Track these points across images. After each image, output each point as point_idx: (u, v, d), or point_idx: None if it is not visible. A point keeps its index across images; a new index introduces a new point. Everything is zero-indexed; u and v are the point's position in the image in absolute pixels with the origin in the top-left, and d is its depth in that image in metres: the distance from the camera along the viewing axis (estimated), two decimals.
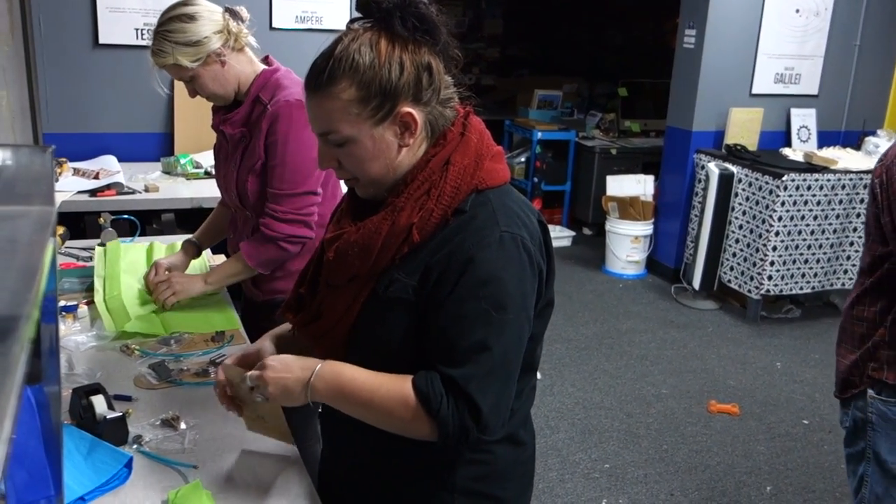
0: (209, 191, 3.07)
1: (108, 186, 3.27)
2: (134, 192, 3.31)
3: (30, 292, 0.63)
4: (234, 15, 2.04)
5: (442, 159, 1.23)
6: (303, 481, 1.42)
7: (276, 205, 2.05)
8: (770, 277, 4.75)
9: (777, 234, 4.68)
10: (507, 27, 9.38)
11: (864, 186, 4.78)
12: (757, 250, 4.78)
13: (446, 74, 1.26)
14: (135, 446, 1.48)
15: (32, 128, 3.57)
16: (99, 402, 1.49)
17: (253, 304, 2.23)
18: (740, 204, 4.91)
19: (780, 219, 4.66)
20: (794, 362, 4.38)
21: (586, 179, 6.45)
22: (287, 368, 1.27)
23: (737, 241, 4.96)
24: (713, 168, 4.94)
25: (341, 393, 1.25)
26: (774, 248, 4.70)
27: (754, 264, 4.80)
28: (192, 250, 2.30)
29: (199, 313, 2.10)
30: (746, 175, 4.85)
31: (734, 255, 4.97)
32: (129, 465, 1.40)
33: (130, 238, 2.60)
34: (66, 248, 2.55)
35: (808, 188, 4.67)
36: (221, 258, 2.51)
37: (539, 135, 6.37)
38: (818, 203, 4.73)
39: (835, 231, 4.84)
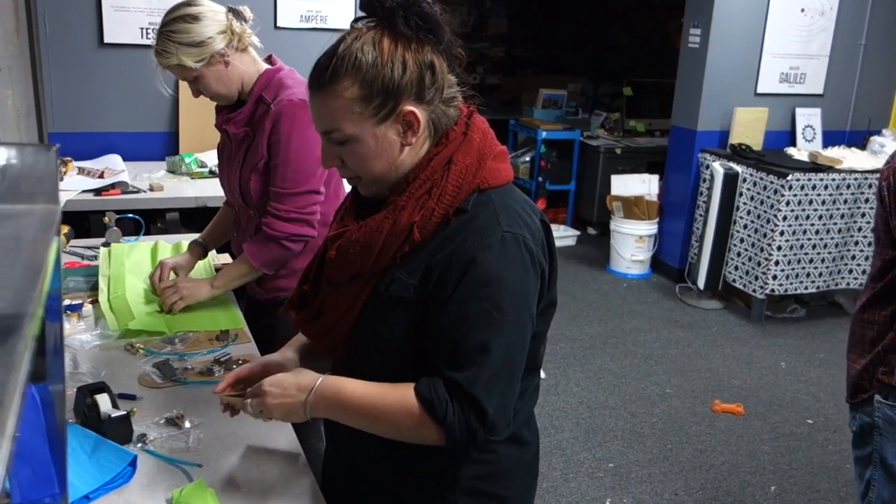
0: (214, 190, 3.08)
1: (113, 185, 3.27)
2: (139, 191, 3.32)
3: (34, 290, 0.63)
4: (238, 15, 2.04)
5: (444, 158, 1.23)
6: (307, 480, 1.43)
7: (278, 203, 2.05)
8: (775, 277, 4.74)
9: (782, 233, 4.67)
10: (511, 27, 9.37)
11: (870, 186, 4.77)
12: (762, 250, 4.77)
13: (450, 73, 1.26)
14: (139, 445, 1.49)
15: (38, 127, 3.58)
16: (103, 401, 1.49)
17: (256, 303, 2.24)
18: (745, 203, 4.90)
19: (784, 218, 4.65)
20: (798, 362, 4.37)
21: (591, 179, 6.44)
22: (285, 392, 1.29)
23: (741, 240, 4.95)
24: (718, 168, 4.93)
25: (343, 409, 1.26)
26: (779, 248, 4.69)
27: (759, 264, 4.79)
28: (199, 251, 2.31)
29: (204, 312, 2.10)
30: (751, 175, 4.84)
31: (739, 254, 4.97)
32: (133, 463, 1.40)
33: (135, 237, 2.61)
34: (71, 246, 2.56)
35: (813, 188, 4.66)
36: (226, 257, 2.52)
37: (544, 134, 6.36)
38: (823, 203, 4.71)
39: (840, 231, 4.82)
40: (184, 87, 2.26)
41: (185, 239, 2.46)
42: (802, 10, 5.17)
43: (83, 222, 3.05)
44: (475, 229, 1.20)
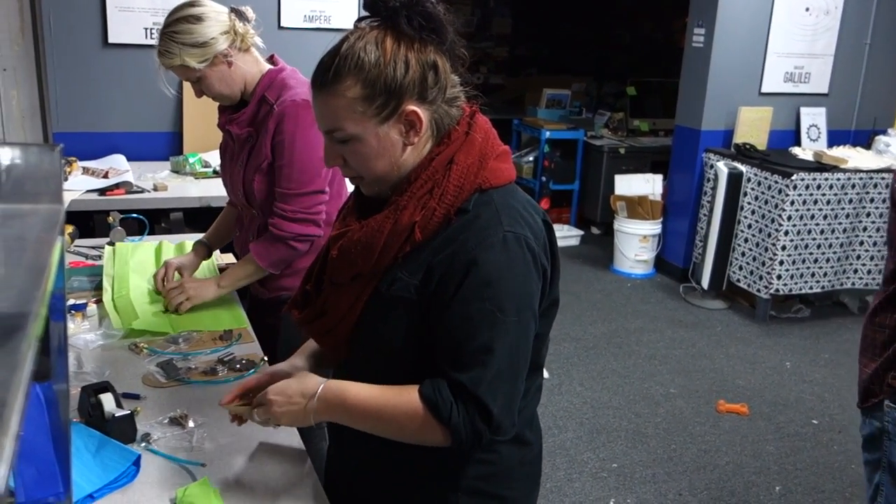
0: (217, 190, 3.08)
1: (117, 185, 3.28)
2: (143, 190, 3.32)
3: (38, 290, 0.63)
4: (240, 15, 2.05)
5: (446, 158, 1.23)
6: (310, 479, 1.43)
7: (284, 204, 2.05)
8: (779, 277, 4.73)
9: (786, 233, 4.66)
10: (515, 26, 9.37)
11: (875, 186, 4.75)
12: (766, 249, 4.76)
13: (453, 73, 1.26)
14: (143, 444, 1.49)
15: (42, 127, 3.59)
16: (107, 401, 1.50)
17: (259, 302, 2.24)
18: (749, 203, 4.89)
19: (789, 218, 4.64)
20: (803, 362, 4.36)
21: (595, 178, 6.44)
22: (289, 399, 1.30)
23: (746, 240, 4.94)
24: (722, 167, 4.93)
25: (347, 412, 1.27)
26: (784, 248, 4.68)
27: (763, 263, 4.78)
28: (203, 251, 2.31)
29: (208, 312, 2.10)
30: (755, 174, 4.83)
31: (743, 254, 4.96)
32: (137, 463, 1.41)
33: (139, 237, 2.61)
34: (75, 246, 2.56)
35: (818, 187, 4.65)
36: (229, 257, 2.52)
37: (547, 134, 6.36)
38: (828, 202, 4.70)
39: (844, 230, 4.81)
40: (187, 86, 2.26)
41: (189, 239, 2.46)
42: (807, 10, 5.16)
43: (87, 222, 3.06)
44: (477, 229, 1.20)
